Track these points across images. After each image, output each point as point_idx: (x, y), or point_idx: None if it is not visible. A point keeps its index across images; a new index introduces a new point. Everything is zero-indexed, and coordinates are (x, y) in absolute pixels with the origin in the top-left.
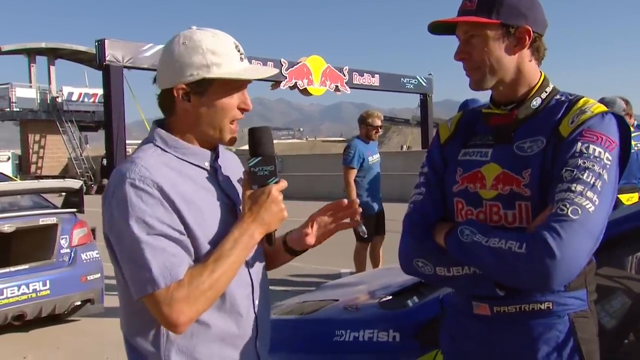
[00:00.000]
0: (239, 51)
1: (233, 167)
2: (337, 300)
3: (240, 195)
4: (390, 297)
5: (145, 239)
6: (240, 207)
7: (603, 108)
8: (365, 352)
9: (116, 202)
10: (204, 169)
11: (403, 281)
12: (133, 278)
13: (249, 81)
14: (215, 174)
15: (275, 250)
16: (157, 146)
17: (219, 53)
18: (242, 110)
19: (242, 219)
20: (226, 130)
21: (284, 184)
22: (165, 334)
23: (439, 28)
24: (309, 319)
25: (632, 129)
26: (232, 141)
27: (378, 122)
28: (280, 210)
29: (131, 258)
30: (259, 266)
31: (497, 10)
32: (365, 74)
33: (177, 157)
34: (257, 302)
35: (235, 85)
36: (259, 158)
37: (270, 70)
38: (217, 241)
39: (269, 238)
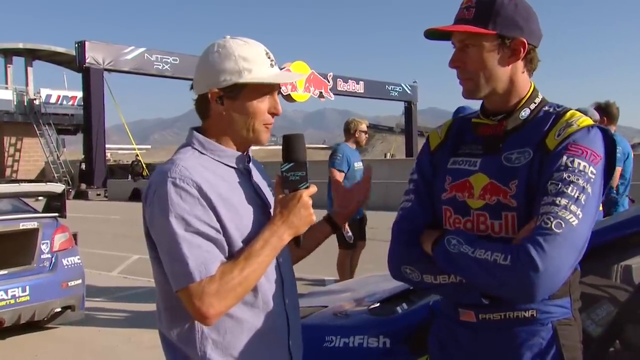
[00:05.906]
0: (269, 58)
1: (262, 173)
2: (326, 306)
3: (272, 198)
4: (379, 303)
5: (183, 235)
6: (272, 209)
7: (589, 122)
8: (355, 357)
9: (158, 199)
10: (238, 170)
11: (391, 288)
12: (171, 271)
13: (278, 86)
14: (249, 175)
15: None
16: (195, 149)
17: (250, 59)
18: (273, 114)
19: (273, 221)
20: (259, 131)
21: (314, 189)
22: (200, 329)
23: (434, 34)
24: None
25: None
26: (265, 141)
27: (365, 127)
28: (309, 215)
29: (170, 252)
30: (288, 267)
31: (493, 20)
32: (349, 80)
33: (213, 159)
34: (287, 300)
35: (266, 89)
36: (292, 164)
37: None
38: (249, 239)
39: (296, 240)
